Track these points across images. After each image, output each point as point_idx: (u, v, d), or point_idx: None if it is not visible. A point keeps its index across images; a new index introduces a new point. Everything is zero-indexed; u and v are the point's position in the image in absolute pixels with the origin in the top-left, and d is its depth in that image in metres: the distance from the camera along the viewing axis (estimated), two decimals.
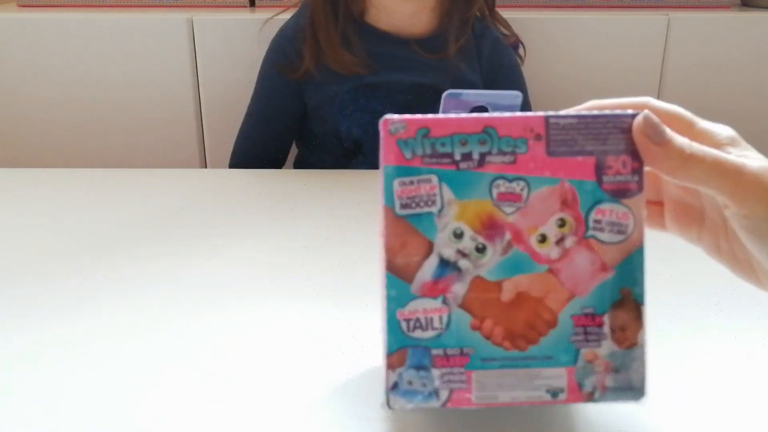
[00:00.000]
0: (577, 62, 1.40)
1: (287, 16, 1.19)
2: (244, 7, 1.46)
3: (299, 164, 1.28)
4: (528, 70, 1.27)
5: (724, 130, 0.41)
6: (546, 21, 1.38)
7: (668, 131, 0.39)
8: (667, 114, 0.41)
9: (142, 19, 1.34)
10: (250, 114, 1.21)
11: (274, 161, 1.23)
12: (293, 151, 1.28)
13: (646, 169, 0.40)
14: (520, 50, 1.27)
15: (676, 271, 0.63)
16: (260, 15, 1.34)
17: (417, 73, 1.12)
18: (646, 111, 0.40)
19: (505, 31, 1.23)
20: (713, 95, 1.42)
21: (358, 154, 1.16)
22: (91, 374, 0.51)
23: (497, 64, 1.18)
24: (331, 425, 0.45)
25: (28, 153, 1.42)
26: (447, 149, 0.40)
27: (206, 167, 1.42)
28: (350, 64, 1.09)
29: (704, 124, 0.41)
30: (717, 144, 0.40)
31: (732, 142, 0.40)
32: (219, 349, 0.54)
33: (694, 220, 0.44)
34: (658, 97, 1.40)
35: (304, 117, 1.20)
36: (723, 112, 1.43)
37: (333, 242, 0.73)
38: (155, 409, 0.47)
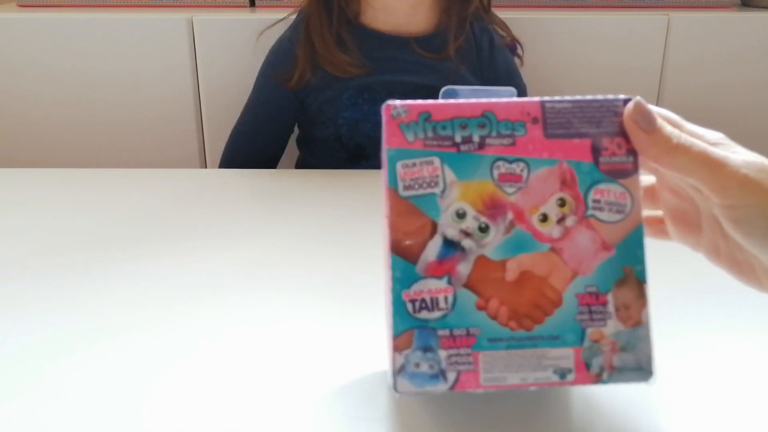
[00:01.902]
0: (577, 62, 1.40)
1: (289, 18, 1.19)
2: (244, 7, 1.47)
3: (301, 168, 1.27)
4: (528, 70, 1.27)
5: (713, 133, 0.42)
6: (546, 21, 1.38)
7: (659, 120, 0.40)
8: None
9: (142, 19, 1.35)
10: (243, 122, 1.20)
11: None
12: (294, 154, 1.28)
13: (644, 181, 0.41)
14: (519, 50, 1.27)
15: (676, 270, 0.63)
16: (260, 15, 1.35)
17: (418, 75, 1.11)
18: (637, 98, 0.41)
19: (502, 33, 1.22)
20: (713, 95, 1.43)
21: (361, 159, 1.15)
22: (89, 374, 0.50)
23: (498, 69, 1.18)
24: (331, 425, 0.45)
25: (28, 153, 1.42)
26: (448, 132, 0.41)
27: (206, 167, 1.42)
28: (345, 65, 1.09)
29: (692, 126, 0.42)
30: (706, 143, 0.40)
31: (720, 142, 0.41)
32: (218, 348, 0.53)
33: (692, 225, 0.44)
34: (658, 97, 1.41)
35: (304, 123, 1.19)
36: (723, 112, 1.43)
37: (334, 242, 0.73)
38: (156, 410, 0.47)
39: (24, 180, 0.94)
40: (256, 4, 1.47)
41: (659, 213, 0.47)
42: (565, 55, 1.39)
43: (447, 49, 1.11)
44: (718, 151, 0.39)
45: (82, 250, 0.71)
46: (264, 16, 1.33)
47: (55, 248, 0.71)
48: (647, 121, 0.40)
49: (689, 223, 0.44)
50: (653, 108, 0.41)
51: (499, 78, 1.18)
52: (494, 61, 1.18)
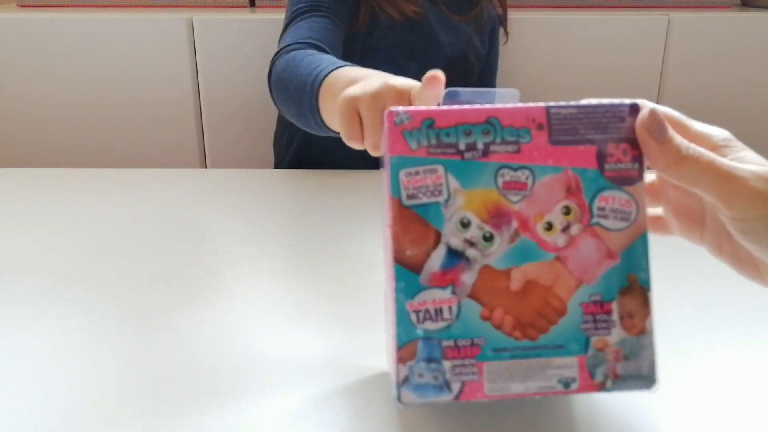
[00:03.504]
0: (578, 62, 1.40)
1: None
2: (244, 7, 1.47)
3: (302, 146, 1.20)
4: (528, 69, 1.27)
5: (719, 132, 0.41)
6: (546, 21, 1.38)
7: (670, 129, 0.40)
8: None
9: (142, 19, 1.34)
10: (296, 13, 1.00)
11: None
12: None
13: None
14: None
15: (678, 278, 0.63)
16: (260, 15, 1.35)
17: (445, 34, 1.13)
18: (653, 106, 0.40)
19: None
20: (713, 95, 1.43)
21: None
22: (87, 376, 0.50)
23: (494, 22, 1.24)
24: (332, 426, 0.45)
25: (28, 153, 1.42)
26: (451, 140, 0.40)
27: (206, 167, 1.42)
28: (401, 1, 1.08)
29: (699, 126, 0.42)
30: (713, 146, 0.40)
31: (728, 144, 0.40)
32: (218, 349, 0.53)
33: (696, 221, 0.44)
34: (658, 97, 1.40)
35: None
36: (723, 112, 1.43)
37: (334, 242, 0.73)
38: (157, 410, 0.47)
39: (24, 180, 0.94)
40: (256, 4, 1.47)
41: (659, 211, 0.47)
42: (565, 55, 1.39)
43: (472, 12, 1.15)
44: (726, 162, 0.39)
45: (81, 250, 0.70)
46: (264, 16, 1.33)
47: (55, 248, 0.71)
48: (659, 129, 0.39)
49: (693, 219, 0.44)
50: (660, 107, 0.41)
51: (493, 36, 1.24)
52: (493, 20, 1.23)
